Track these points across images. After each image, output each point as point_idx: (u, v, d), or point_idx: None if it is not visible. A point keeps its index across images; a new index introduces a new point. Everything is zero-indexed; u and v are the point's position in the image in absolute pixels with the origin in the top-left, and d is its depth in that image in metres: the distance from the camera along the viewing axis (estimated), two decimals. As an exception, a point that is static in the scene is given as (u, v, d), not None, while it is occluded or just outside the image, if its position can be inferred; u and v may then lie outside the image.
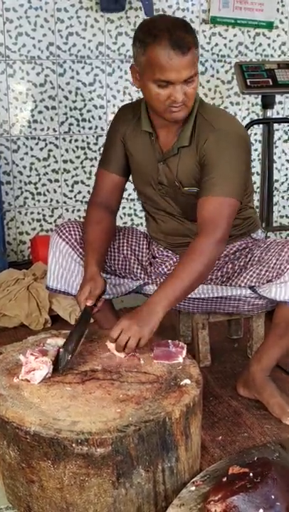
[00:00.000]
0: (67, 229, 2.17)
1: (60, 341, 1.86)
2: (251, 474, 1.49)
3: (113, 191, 2.17)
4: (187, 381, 1.69)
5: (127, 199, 3.92)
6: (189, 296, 2.24)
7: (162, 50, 1.81)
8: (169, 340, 1.86)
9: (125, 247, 2.26)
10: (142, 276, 2.28)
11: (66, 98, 3.70)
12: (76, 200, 3.87)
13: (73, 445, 1.47)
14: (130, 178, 2.24)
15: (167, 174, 2.07)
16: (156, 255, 2.28)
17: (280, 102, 4.09)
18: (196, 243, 1.90)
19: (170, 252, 2.26)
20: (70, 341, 1.80)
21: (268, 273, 2.04)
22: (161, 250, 2.28)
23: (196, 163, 2.01)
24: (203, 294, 2.23)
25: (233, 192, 1.94)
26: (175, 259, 2.24)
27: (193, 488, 1.58)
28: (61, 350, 1.76)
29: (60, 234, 2.17)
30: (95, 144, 3.82)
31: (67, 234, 2.16)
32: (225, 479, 1.51)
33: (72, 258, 2.16)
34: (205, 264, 1.88)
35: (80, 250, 2.14)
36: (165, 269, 2.25)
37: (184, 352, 1.83)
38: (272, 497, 1.44)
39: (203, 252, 1.88)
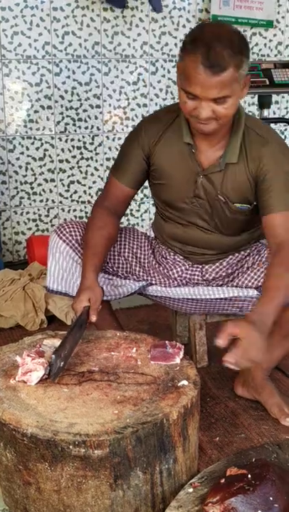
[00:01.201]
0: (67, 229, 2.14)
1: (57, 342, 1.85)
2: (249, 476, 1.49)
3: (122, 201, 2.13)
4: (184, 382, 1.68)
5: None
6: (197, 297, 2.24)
7: (194, 62, 1.72)
8: (166, 341, 1.85)
9: (126, 250, 2.24)
10: (145, 277, 2.26)
11: (62, 97, 3.69)
12: (72, 200, 3.86)
13: (70, 447, 1.46)
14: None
15: (207, 188, 2.02)
16: (167, 257, 2.25)
17: (277, 102, 4.09)
18: (281, 255, 1.85)
19: (181, 257, 2.23)
20: (63, 348, 1.75)
21: None
22: (172, 254, 2.24)
23: (248, 180, 1.97)
24: (212, 295, 2.23)
25: None
26: (187, 266, 2.22)
27: (191, 489, 1.57)
28: (53, 356, 1.71)
29: (60, 235, 2.14)
30: (91, 143, 3.81)
31: (67, 235, 2.14)
32: (223, 481, 1.51)
33: (72, 259, 2.14)
34: None
35: (78, 249, 2.12)
36: (176, 274, 2.23)
37: (182, 353, 1.82)
38: (271, 499, 1.44)
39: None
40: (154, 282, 2.26)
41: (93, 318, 1.90)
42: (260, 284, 2.11)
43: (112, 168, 2.15)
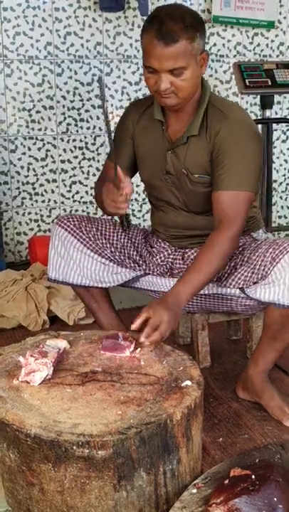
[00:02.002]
0: (67, 218, 2.22)
1: (60, 342, 1.85)
2: (253, 476, 1.48)
3: None
4: (188, 382, 1.68)
5: (125, 199, 3.90)
6: None
7: (149, 37, 1.87)
8: (120, 333, 1.88)
9: (123, 237, 2.28)
10: (140, 264, 2.28)
11: (64, 98, 3.69)
12: (74, 201, 3.85)
13: (74, 447, 1.45)
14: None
15: (174, 163, 2.09)
16: (154, 245, 2.30)
17: (279, 102, 4.09)
18: (213, 238, 1.97)
19: (167, 243, 2.27)
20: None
21: (253, 274, 2.03)
22: (159, 242, 2.29)
23: (207, 153, 2.03)
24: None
25: (248, 185, 1.98)
26: (170, 251, 2.26)
27: (194, 490, 1.56)
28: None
29: (60, 223, 2.21)
30: (93, 144, 3.81)
31: (66, 222, 2.20)
32: (227, 481, 1.50)
33: (71, 243, 2.19)
34: (221, 258, 1.97)
35: (80, 235, 2.19)
36: (159, 260, 2.26)
37: (132, 346, 1.83)
38: (275, 499, 1.43)
39: (220, 247, 1.95)
40: (147, 271, 2.28)
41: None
42: (241, 285, 2.10)
43: (108, 154, 2.25)
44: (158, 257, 2.27)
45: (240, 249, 2.16)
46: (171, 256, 2.26)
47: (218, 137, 1.99)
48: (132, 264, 2.27)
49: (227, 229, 1.96)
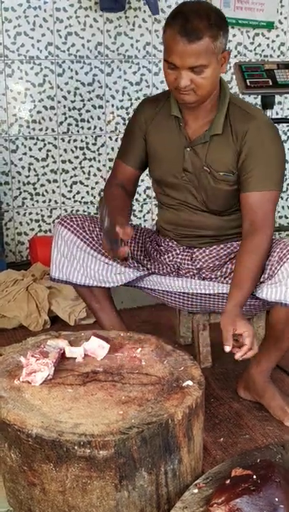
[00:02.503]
0: (69, 217, 2.21)
1: (61, 342, 1.85)
2: (254, 476, 1.48)
3: (128, 182, 2.22)
4: (189, 382, 1.68)
5: (125, 199, 3.90)
6: (188, 292, 2.24)
7: (172, 32, 1.86)
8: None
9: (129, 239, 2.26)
10: (144, 264, 2.28)
11: (65, 98, 3.69)
12: (75, 201, 3.85)
13: (75, 447, 1.45)
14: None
15: (194, 160, 2.08)
16: (162, 244, 2.28)
17: (280, 103, 4.09)
18: (254, 241, 1.98)
19: (174, 242, 2.26)
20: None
21: (261, 274, 2.03)
22: (167, 241, 2.27)
23: (233, 153, 2.03)
24: (201, 289, 2.23)
25: (274, 184, 2.01)
26: (178, 251, 2.24)
27: (196, 490, 1.56)
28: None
29: (63, 223, 2.20)
30: (94, 144, 3.81)
31: (69, 221, 2.19)
32: (228, 481, 1.50)
33: (74, 243, 2.18)
34: (265, 259, 1.99)
35: (84, 235, 2.18)
36: (167, 259, 2.25)
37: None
38: (276, 500, 1.43)
39: (263, 248, 1.98)
40: (152, 271, 2.27)
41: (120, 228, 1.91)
42: None
43: (118, 151, 2.26)
44: (166, 256, 2.26)
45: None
46: (180, 256, 2.24)
47: (246, 139, 1.99)
48: (136, 264, 2.27)
49: (263, 229, 1.98)
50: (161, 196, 2.26)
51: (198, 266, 2.22)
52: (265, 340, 2.14)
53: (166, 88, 2.05)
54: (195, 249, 2.22)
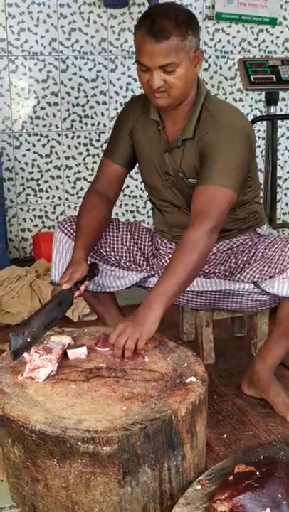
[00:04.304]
0: (69, 223, 2.19)
1: (64, 339, 1.85)
2: (257, 473, 1.48)
3: (113, 182, 2.18)
4: (192, 379, 1.68)
5: (129, 196, 3.91)
6: (192, 289, 2.24)
7: (140, 33, 1.87)
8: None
9: (128, 239, 2.27)
10: (146, 267, 2.27)
11: (69, 94, 3.68)
12: (78, 197, 3.85)
13: (79, 443, 1.46)
14: (132, 174, 2.23)
15: (172, 165, 2.08)
16: (160, 247, 2.29)
17: (284, 99, 4.08)
18: (188, 235, 1.87)
19: (173, 244, 2.26)
20: (29, 325, 1.76)
21: (270, 269, 2.04)
22: (164, 243, 2.28)
23: (196, 155, 2.02)
24: (206, 287, 2.23)
25: (228, 182, 1.92)
26: None
27: (199, 486, 1.56)
28: (10, 335, 1.70)
29: (62, 228, 2.19)
30: (98, 140, 3.81)
31: (69, 228, 2.18)
32: (231, 478, 1.50)
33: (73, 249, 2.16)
34: (198, 255, 1.85)
35: None
36: (167, 261, 2.24)
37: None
38: (279, 496, 1.43)
39: (195, 244, 1.85)
40: (152, 273, 2.27)
41: (64, 285, 1.91)
42: (255, 279, 2.10)
43: (104, 152, 2.23)
44: (166, 259, 2.25)
45: (252, 244, 2.16)
46: None
47: (205, 138, 1.97)
48: (139, 268, 2.27)
49: (202, 223, 1.86)
50: (152, 198, 2.27)
51: None
52: (270, 336, 2.14)
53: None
54: None
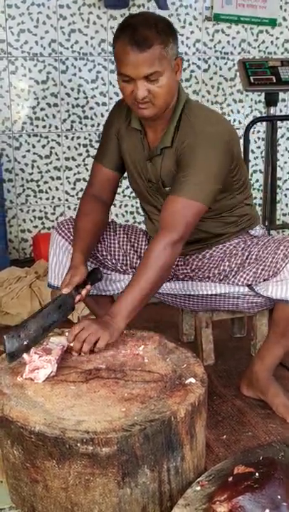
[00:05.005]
0: (66, 226, 2.19)
1: (64, 340, 1.85)
2: (257, 474, 1.48)
3: (106, 185, 2.17)
4: (192, 380, 1.68)
5: (129, 197, 3.91)
6: (188, 293, 2.24)
7: (122, 44, 1.84)
8: None
9: (125, 242, 2.27)
10: None
11: (68, 95, 3.69)
12: (78, 198, 3.85)
13: (78, 444, 1.46)
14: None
15: (154, 173, 2.07)
16: None
17: (284, 100, 4.08)
18: (151, 248, 1.89)
19: None
20: (23, 327, 1.77)
21: (264, 271, 2.03)
22: None
23: (174, 164, 2.00)
24: (202, 291, 2.23)
25: (199, 196, 1.90)
26: None
27: (198, 488, 1.56)
28: (4, 337, 1.71)
29: (59, 231, 2.19)
30: (97, 141, 3.80)
31: (66, 231, 2.18)
32: (230, 479, 1.50)
33: (70, 253, 2.14)
34: (161, 268, 1.87)
35: None
36: None
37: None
38: (279, 497, 1.43)
39: (158, 258, 1.87)
40: None
41: (64, 290, 1.92)
42: (249, 282, 2.10)
43: (95, 155, 2.21)
44: None
45: (245, 247, 2.15)
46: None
47: (182, 148, 1.95)
48: (134, 271, 2.26)
49: (165, 236, 1.88)
50: (142, 204, 2.26)
51: (193, 267, 2.22)
52: (268, 338, 2.14)
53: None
54: (187, 256, 2.22)
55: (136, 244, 2.29)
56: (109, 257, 2.24)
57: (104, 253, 2.23)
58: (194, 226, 1.95)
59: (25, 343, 1.75)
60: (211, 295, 2.24)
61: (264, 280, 2.04)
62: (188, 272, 2.23)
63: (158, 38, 1.83)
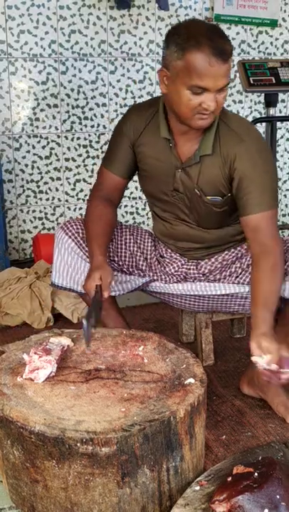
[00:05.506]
0: (74, 226, 2.17)
1: (64, 340, 1.86)
2: (256, 474, 1.49)
3: (114, 191, 2.16)
4: (191, 380, 1.68)
5: (129, 197, 3.91)
6: (196, 294, 2.25)
7: (204, 56, 1.77)
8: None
9: (132, 244, 2.26)
10: (148, 272, 2.27)
11: (68, 96, 3.69)
12: (78, 199, 3.86)
13: (78, 444, 1.46)
14: (134, 177, 2.22)
15: (185, 182, 2.04)
16: (165, 255, 2.27)
17: (283, 101, 4.08)
18: (270, 262, 1.89)
19: (178, 254, 2.25)
20: (91, 316, 1.79)
21: None
22: (169, 251, 2.27)
23: (222, 175, 1.98)
24: (210, 291, 2.23)
25: (272, 202, 1.95)
26: (183, 262, 2.24)
27: (197, 487, 1.57)
28: (84, 321, 1.74)
29: (66, 231, 2.17)
30: (97, 142, 3.81)
31: (73, 231, 2.16)
32: (230, 479, 1.51)
33: (77, 255, 2.16)
34: (282, 277, 1.92)
35: (86, 248, 2.13)
36: (172, 270, 2.25)
37: None
38: (278, 497, 1.44)
39: (276, 271, 1.89)
40: (155, 278, 2.27)
41: (105, 294, 1.92)
42: None
43: (103, 159, 2.18)
44: (171, 267, 2.25)
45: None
46: (185, 266, 2.24)
47: (236, 165, 1.94)
48: (141, 273, 2.27)
49: (274, 248, 1.91)
50: (154, 207, 2.24)
51: (205, 271, 2.23)
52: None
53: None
54: (199, 260, 2.23)
55: (142, 246, 2.28)
56: (116, 259, 2.24)
57: (111, 254, 2.22)
58: (278, 230, 1.99)
59: (93, 330, 1.80)
60: (219, 295, 2.24)
61: None
62: (199, 275, 2.24)
63: (231, 47, 1.82)
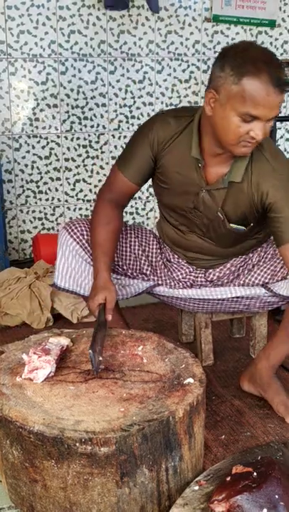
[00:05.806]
0: (79, 228, 2.13)
1: (63, 340, 1.86)
2: (255, 474, 1.49)
3: (125, 195, 2.12)
4: (190, 380, 1.69)
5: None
6: (200, 297, 2.25)
7: (262, 84, 1.70)
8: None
9: (136, 247, 2.24)
10: (152, 277, 2.26)
11: (68, 96, 3.69)
12: (78, 199, 3.86)
13: (77, 444, 1.46)
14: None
15: (208, 203, 2.01)
16: (172, 260, 2.26)
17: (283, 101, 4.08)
18: None
19: (185, 261, 2.25)
20: (96, 343, 1.77)
21: (282, 269, 2.04)
22: (176, 257, 2.26)
23: (251, 205, 1.95)
24: (216, 295, 2.24)
25: None
26: (191, 269, 2.24)
27: (196, 487, 1.57)
28: (90, 351, 1.71)
29: (71, 232, 2.13)
30: (97, 142, 3.81)
31: (78, 233, 2.12)
32: (228, 479, 1.51)
33: (82, 258, 2.14)
34: None
35: (91, 251, 2.10)
36: (180, 276, 2.25)
37: None
38: (276, 497, 1.44)
39: None
40: (160, 283, 2.27)
41: (109, 317, 1.92)
42: (266, 280, 2.11)
43: (118, 159, 2.10)
44: (178, 273, 2.24)
45: (260, 249, 2.17)
46: (193, 274, 2.24)
47: (269, 195, 1.90)
48: (145, 277, 2.26)
49: None
50: (165, 214, 2.18)
51: (214, 278, 2.23)
52: (277, 336, 2.11)
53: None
54: (208, 269, 2.23)
55: (147, 249, 2.26)
56: (120, 263, 2.22)
57: (116, 258, 2.19)
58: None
59: (99, 358, 1.76)
60: (224, 299, 2.25)
61: (282, 278, 2.04)
62: (207, 283, 2.24)
63: (285, 78, 1.77)
